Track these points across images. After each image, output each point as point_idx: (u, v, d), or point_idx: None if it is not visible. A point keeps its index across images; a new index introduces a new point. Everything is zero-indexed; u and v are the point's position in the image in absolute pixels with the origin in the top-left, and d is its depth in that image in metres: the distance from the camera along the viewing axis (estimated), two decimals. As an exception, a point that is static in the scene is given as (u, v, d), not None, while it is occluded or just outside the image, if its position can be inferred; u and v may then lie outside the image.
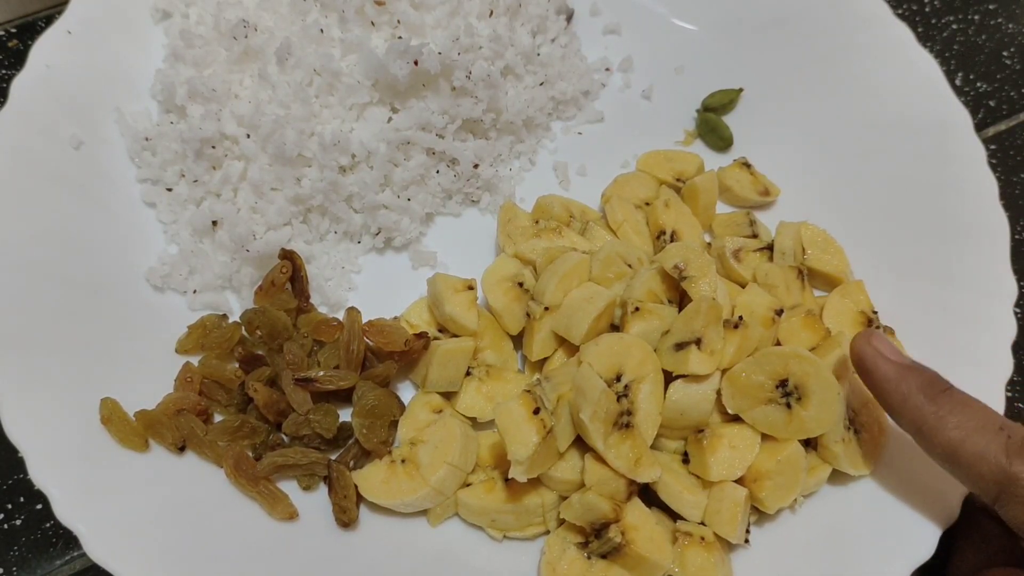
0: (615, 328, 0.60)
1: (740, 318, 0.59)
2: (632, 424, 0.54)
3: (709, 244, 0.69)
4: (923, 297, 0.66)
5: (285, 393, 0.58)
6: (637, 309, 0.59)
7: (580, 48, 0.81)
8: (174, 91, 0.67)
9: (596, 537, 0.54)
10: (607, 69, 0.80)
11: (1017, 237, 0.78)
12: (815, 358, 0.55)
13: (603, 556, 0.53)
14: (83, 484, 0.53)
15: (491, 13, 0.72)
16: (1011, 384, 0.61)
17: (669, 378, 0.57)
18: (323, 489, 0.58)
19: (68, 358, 0.58)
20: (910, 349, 0.63)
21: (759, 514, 0.58)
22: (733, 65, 0.79)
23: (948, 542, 0.57)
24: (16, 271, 0.59)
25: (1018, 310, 0.64)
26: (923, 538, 0.56)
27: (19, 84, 0.65)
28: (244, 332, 0.62)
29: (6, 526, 0.60)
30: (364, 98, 0.67)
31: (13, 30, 0.83)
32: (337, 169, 0.66)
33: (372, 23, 0.69)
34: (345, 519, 0.56)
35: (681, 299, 0.62)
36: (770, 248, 0.68)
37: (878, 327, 0.64)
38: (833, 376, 0.55)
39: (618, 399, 0.54)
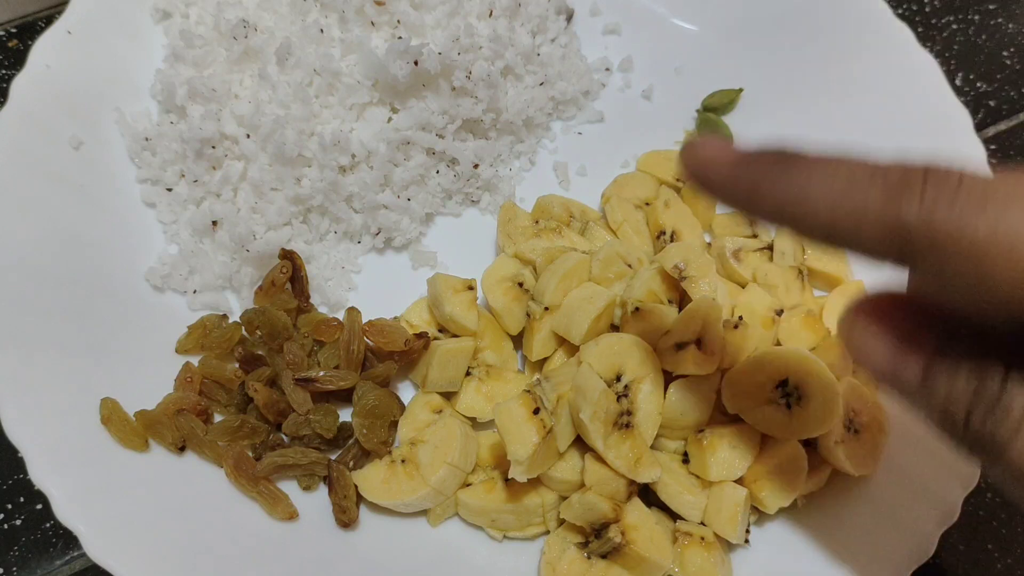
0: (615, 328, 0.60)
1: (740, 318, 0.59)
2: (632, 424, 0.54)
3: (709, 244, 0.70)
4: (923, 297, 0.66)
5: (285, 393, 0.58)
6: (637, 309, 0.59)
7: (580, 48, 0.81)
8: (174, 91, 0.67)
9: (596, 537, 0.54)
10: (607, 69, 0.80)
11: (1017, 237, 0.78)
12: (815, 358, 0.55)
13: (603, 556, 0.53)
14: (83, 484, 0.53)
15: (491, 13, 0.72)
16: (1011, 384, 0.61)
17: (669, 378, 0.57)
18: (323, 489, 0.58)
19: (68, 358, 0.58)
20: (910, 349, 0.63)
21: (759, 514, 0.58)
22: (733, 65, 0.79)
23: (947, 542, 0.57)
24: (16, 271, 0.59)
25: (1018, 310, 0.64)
26: (923, 538, 0.55)
27: (19, 84, 0.65)
28: (244, 332, 0.62)
29: (6, 526, 0.60)
30: (364, 98, 0.67)
31: (13, 30, 0.83)
32: (337, 169, 0.66)
33: (372, 23, 0.69)
34: (345, 519, 0.56)
35: (681, 299, 0.62)
36: (770, 248, 0.68)
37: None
38: (833, 376, 0.55)
39: (618, 399, 0.54)
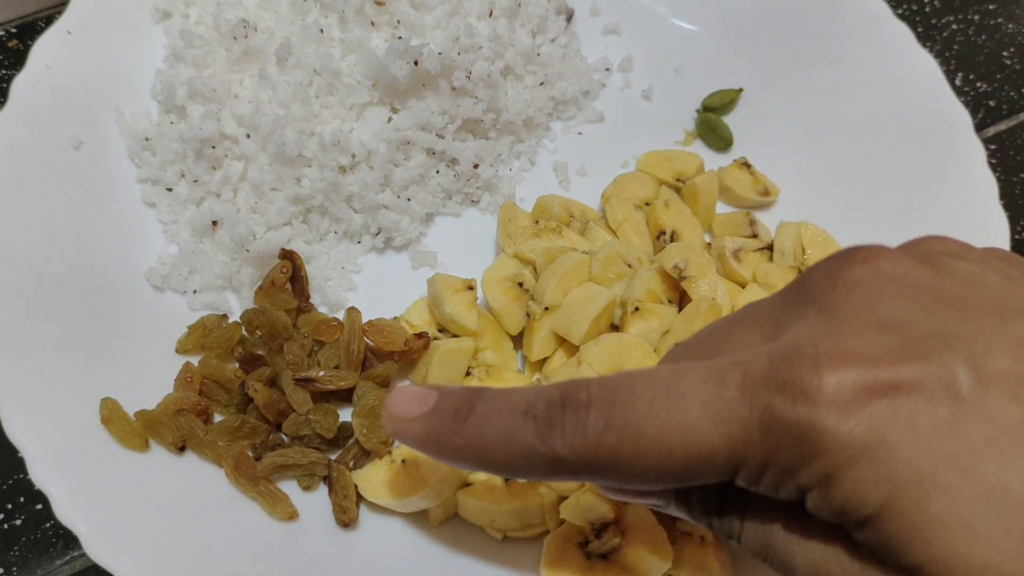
0: (615, 328, 0.60)
1: (740, 318, 0.59)
2: (632, 424, 0.54)
3: (709, 244, 0.70)
4: (923, 297, 0.66)
5: (285, 393, 0.58)
6: (637, 309, 0.59)
7: (580, 48, 0.81)
8: (174, 91, 0.67)
9: (596, 537, 0.54)
10: (607, 69, 0.80)
11: (1017, 237, 0.78)
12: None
13: (603, 556, 0.53)
14: (83, 484, 0.53)
15: (491, 13, 0.72)
16: (1011, 384, 0.61)
17: (669, 378, 0.57)
18: (323, 489, 0.58)
19: (68, 358, 0.58)
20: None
21: (759, 514, 0.58)
22: (733, 65, 0.79)
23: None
24: (16, 271, 0.59)
25: (1018, 310, 0.64)
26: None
27: (19, 84, 0.65)
28: (244, 332, 0.62)
29: (6, 526, 0.60)
30: (364, 98, 0.67)
31: (13, 30, 0.83)
32: (337, 169, 0.66)
33: (372, 23, 0.69)
34: (345, 519, 0.56)
35: (681, 299, 0.62)
36: (770, 248, 0.68)
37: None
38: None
39: (618, 399, 0.54)
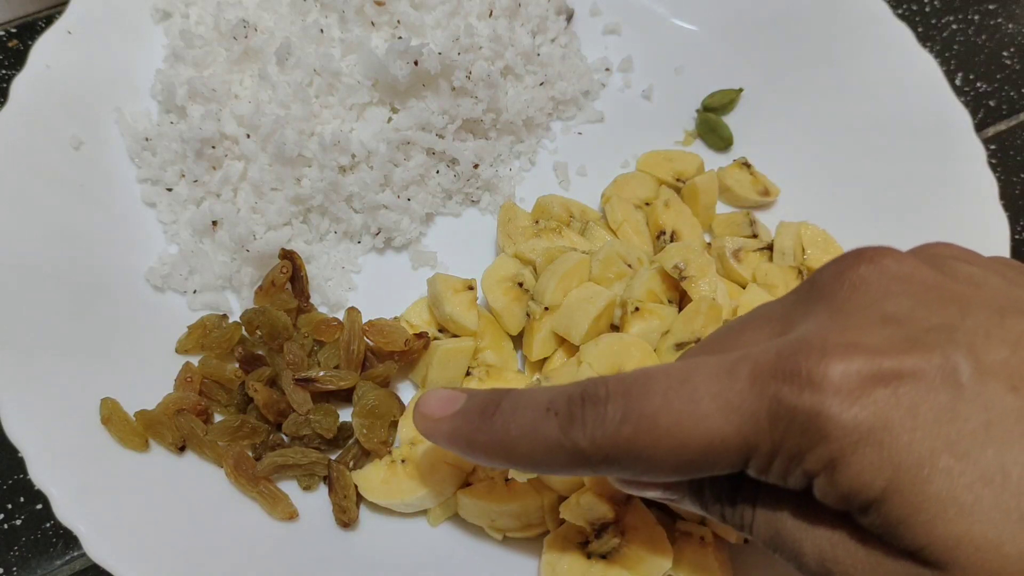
0: (615, 328, 0.60)
1: (740, 318, 0.59)
2: (632, 424, 0.54)
3: (709, 244, 0.70)
4: (923, 297, 0.66)
5: (285, 393, 0.58)
6: (637, 309, 0.59)
7: (580, 48, 0.81)
8: (174, 91, 0.67)
9: (596, 537, 0.54)
10: (607, 69, 0.80)
11: (1017, 237, 0.78)
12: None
13: (603, 556, 0.53)
14: (83, 484, 0.53)
15: (491, 13, 0.72)
16: (1011, 384, 0.61)
17: (669, 378, 0.57)
18: (323, 489, 0.58)
19: (68, 358, 0.58)
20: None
21: (759, 514, 0.58)
22: (733, 65, 0.79)
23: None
24: (16, 271, 0.59)
25: (1018, 310, 0.64)
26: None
27: (19, 84, 0.65)
28: (244, 332, 0.62)
29: (6, 526, 0.60)
30: (364, 98, 0.67)
31: (13, 30, 0.83)
32: (337, 169, 0.66)
33: (372, 23, 0.69)
34: (345, 519, 0.56)
35: (681, 299, 0.62)
36: (770, 248, 0.68)
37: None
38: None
39: (618, 399, 0.54)
